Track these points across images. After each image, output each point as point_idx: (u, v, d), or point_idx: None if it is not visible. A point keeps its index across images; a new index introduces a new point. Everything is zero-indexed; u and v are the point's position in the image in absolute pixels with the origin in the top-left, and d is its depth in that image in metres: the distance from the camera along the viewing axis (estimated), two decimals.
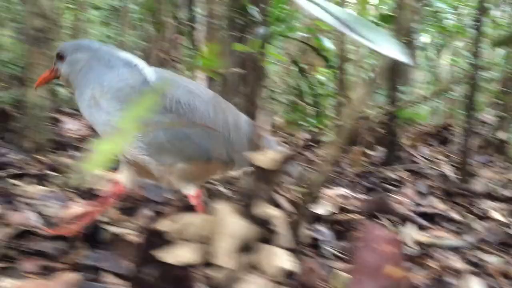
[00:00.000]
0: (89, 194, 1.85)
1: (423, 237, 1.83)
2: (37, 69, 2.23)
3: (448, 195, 2.58)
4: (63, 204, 1.75)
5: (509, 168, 3.49)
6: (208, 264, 0.93)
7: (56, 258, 1.29)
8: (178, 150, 1.30)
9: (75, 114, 3.24)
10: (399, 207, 2.13)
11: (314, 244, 1.57)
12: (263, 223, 0.98)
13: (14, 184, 1.85)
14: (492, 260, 1.72)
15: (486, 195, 2.64)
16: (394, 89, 3.15)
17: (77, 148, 2.53)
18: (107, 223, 1.52)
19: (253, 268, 0.91)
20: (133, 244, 1.28)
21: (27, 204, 1.71)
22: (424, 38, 6.24)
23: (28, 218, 1.52)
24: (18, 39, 6.14)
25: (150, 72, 1.35)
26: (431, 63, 6.84)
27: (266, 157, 1.04)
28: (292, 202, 1.30)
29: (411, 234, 1.84)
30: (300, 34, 3.32)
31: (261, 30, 1.96)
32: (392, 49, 0.60)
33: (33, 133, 2.27)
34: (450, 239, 1.86)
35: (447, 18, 5.43)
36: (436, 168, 3.16)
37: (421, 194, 2.52)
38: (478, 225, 2.10)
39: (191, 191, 1.34)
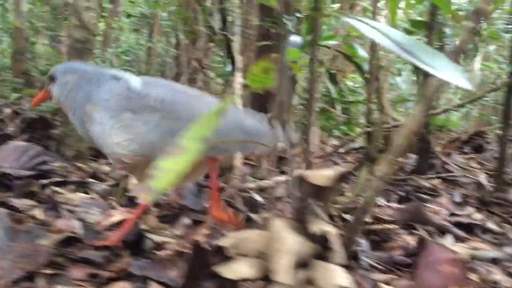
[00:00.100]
0: (129, 202, 1.89)
1: (461, 248, 1.80)
2: None
3: (483, 204, 2.54)
4: (104, 212, 1.81)
5: None
6: (266, 280, 0.95)
7: (102, 265, 1.32)
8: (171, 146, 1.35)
9: None
10: (434, 216, 2.11)
11: (353, 255, 1.57)
12: (317, 239, 0.99)
13: (57, 192, 1.92)
14: None
15: None
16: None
17: None
18: (148, 231, 1.56)
19: (310, 284, 0.93)
20: (178, 254, 1.31)
21: (70, 211, 1.76)
22: (456, 43, 6.14)
23: (73, 225, 1.57)
24: (53, 47, 6.33)
25: (136, 80, 1.43)
26: (463, 68, 6.73)
27: (321, 175, 1.05)
28: (343, 218, 1.31)
29: (449, 245, 1.82)
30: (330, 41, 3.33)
31: (295, 39, 1.97)
32: (453, 75, 0.60)
33: (73, 141, 2.34)
34: (489, 251, 1.83)
35: (479, 22, 5.34)
36: (470, 176, 3.10)
37: (456, 203, 2.48)
38: None
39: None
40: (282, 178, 1.82)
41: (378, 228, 1.89)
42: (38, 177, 1.97)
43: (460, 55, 1.26)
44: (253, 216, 1.68)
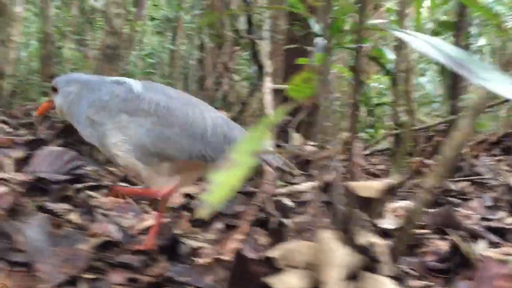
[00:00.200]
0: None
1: (495, 254, 1.78)
2: None
3: None
4: (137, 215, 1.84)
5: None
6: None
7: (140, 270, 1.35)
8: (161, 150, 1.40)
9: None
10: (466, 221, 2.09)
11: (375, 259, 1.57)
12: (364, 251, 1.00)
13: (91, 196, 1.96)
14: None
15: None
16: (455, 97, 3.09)
17: None
18: (182, 236, 1.59)
19: None
20: (216, 261, 1.33)
21: (104, 215, 1.80)
22: (481, 41, 6.05)
23: (109, 229, 1.60)
24: (80, 51, 6.45)
25: (136, 84, 1.47)
26: None
27: (369, 186, 1.06)
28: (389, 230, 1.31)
29: (482, 251, 1.79)
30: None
31: (322, 42, 1.97)
32: (507, 88, 0.60)
33: None
34: None
35: (506, 21, 5.26)
36: (500, 179, 3.05)
37: (487, 207, 2.45)
38: None
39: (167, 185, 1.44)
40: (313, 183, 1.82)
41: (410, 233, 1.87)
42: (72, 181, 2.01)
43: (510, 67, 1.25)
44: (285, 221, 1.69)
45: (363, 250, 1.00)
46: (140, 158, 1.42)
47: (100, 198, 1.96)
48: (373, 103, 3.50)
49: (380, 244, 1.04)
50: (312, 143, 3.14)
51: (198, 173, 1.55)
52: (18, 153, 2.25)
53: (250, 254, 1.22)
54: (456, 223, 2.01)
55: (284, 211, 1.80)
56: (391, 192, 1.14)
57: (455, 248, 1.62)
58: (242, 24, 3.10)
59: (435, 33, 3.81)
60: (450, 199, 2.56)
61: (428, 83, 5.85)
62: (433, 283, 1.44)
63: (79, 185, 2.01)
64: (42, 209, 1.68)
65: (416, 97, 5.62)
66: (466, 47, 3.67)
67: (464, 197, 2.61)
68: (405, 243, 1.22)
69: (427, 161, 3.28)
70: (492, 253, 1.82)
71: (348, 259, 0.95)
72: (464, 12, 3.19)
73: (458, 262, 1.58)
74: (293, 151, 2.47)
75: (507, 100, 3.81)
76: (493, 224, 2.15)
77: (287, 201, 1.94)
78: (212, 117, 1.44)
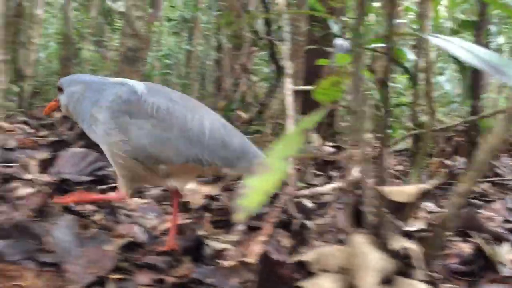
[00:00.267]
0: (183, 207, 1.94)
1: None
2: None
3: None
4: (159, 216, 1.86)
5: None
6: None
7: (165, 271, 1.37)
8: (158, 153, 1.42)
9: None
10: (489, 223, 2.07)
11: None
12: (397, 255, 1.00)
13: None
14: None
15: None
16: (476, 97, 3.06)
17: None
18: (206, 237, 1.60)
19: None
20: (241, 263, 1.34)
21: (127, 216, 1.83)
22: (500, 40, 5.96)
23: (133, 230, 1.63)
24: (98, 52, 6.53)
25: (140, 85, 1.49)
26: None
27: (402, 191, 1.06)
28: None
29: (506, 254, 1.77)
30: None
31: (342, 43, 1.97)
32: None
33: None
34: None
35: None
36: None
37: (509, 209, 2.42)
38: None
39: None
40: (335, 184, 1.82)
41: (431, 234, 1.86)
42: (96, 182, 2.05)
43: None
44: (307, 223, 1.69)
45: (395, 254, 1.00)
46: (140, 160, 1.44)
47: None
48: (392, 104, 3.47)
49: (414, 249, 1.03)
50: (331, 144, 3.14)
51: (194, 176, 1.58)
52: (42, 155, 2.30)
53: (277, 257, 1.23)
54: (479, 225, 1.99)
55: (306, 212, 1.81)
56: (424, 197, 1.14)
57: (478, 250, 1.61)
58: (260, 25, 3.11)
59: (454, 32, 3.77)
60: (472, 200, 2.53)
61: (446, 82, 5.78)
62: (457, 286, 1.43)
63: (103, 186, 2.04)
64: (68, 210, 1.71)
65: (435, 96, 5.56)
66: (486, 46, 3.63)
67: (486, 198, 2.58)
68: (438, 247, 1.22)
69: (446, 162, 3.26)
70: None
71: (382, 263, 0.95)
72: (485, 10, 3.16)
73: (482, 265, 1.57)
74: (313, 153, 2.47)
75: None
76: None
77: (308, 203, 1.94)
78: (211, 121, 1.46)
